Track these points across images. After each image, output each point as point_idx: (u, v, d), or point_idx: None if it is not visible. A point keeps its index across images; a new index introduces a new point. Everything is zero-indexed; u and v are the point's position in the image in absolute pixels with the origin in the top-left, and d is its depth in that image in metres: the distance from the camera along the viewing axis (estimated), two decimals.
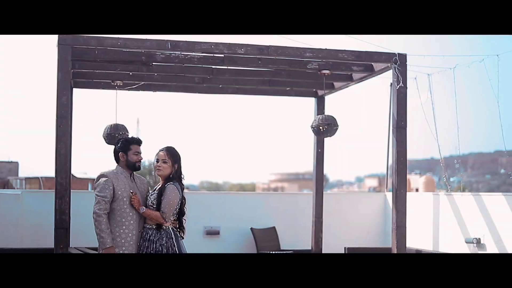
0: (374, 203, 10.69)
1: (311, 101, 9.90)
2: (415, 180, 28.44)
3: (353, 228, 10.41)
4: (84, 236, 8.22)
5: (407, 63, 7.63)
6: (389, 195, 10.50)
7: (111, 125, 8.26)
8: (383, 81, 9.88)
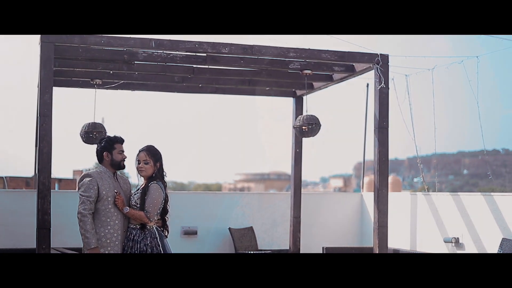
0: (351, 203, 10.73)
1: (282, 101, 9.94)
2: None
3: (330, 228, 10.43)
4: (60, 236, 8.12)
5: (389, 63, 7.69)
6: (366, 195, 10.57)
7: (89, 123, 8.18)
8: (358, 81, 9.89)
